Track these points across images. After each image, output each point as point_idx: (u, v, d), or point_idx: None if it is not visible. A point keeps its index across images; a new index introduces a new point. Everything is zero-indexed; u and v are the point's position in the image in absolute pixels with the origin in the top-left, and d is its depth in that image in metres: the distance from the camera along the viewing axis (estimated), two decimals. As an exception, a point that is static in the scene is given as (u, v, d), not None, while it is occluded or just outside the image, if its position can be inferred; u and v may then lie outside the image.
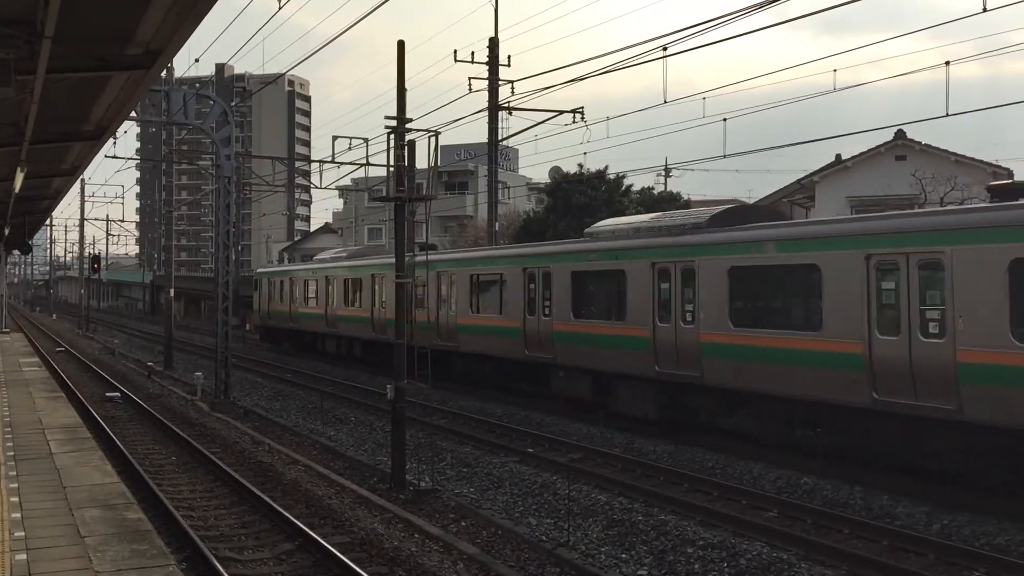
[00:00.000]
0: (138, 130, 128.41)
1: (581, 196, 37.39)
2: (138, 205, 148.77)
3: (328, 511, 12.79)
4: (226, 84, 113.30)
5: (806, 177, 35.87)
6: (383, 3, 15.51)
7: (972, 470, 12.52)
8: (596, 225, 21.87)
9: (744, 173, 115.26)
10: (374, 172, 39.70)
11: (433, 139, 16.32)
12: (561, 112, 29.72)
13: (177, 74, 34.15)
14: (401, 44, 15.29)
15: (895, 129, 31.80)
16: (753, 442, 15.96)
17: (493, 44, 32.15)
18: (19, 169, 13.99)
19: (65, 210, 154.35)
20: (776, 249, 15.42)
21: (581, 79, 21.77)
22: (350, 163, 28.62)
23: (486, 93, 31.95)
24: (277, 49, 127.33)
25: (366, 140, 22.77)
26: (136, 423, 21.20)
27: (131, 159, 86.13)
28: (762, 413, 15.60)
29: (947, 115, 18.36)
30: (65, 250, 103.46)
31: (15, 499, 9.96)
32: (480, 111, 31.77)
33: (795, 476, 14.25)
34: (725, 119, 24.15)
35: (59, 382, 25.47)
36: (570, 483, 13.72)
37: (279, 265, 54.29)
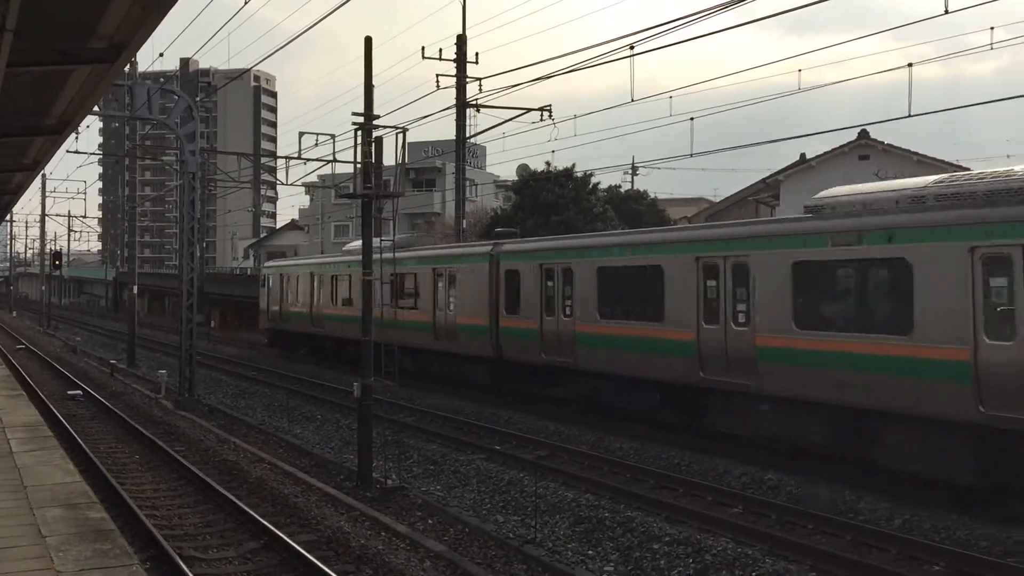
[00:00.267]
0: (101, 125, 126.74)
1: (548, 194, 37.44)
2: (101, 201, 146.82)
3: (294, 509, 12.73)
4: (191, 79, 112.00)
5: (771, 176, 36.21)
6: (350, -1, 15.42)
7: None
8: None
9: (710, 172, 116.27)
10: (341, 169, 39.48)
11: (400, 136, 16.26)
12: (529, 110, 29.76)
13: (141, 68, 33.69)
14: (368, 40, 15.24)
15: (859, 129, 32.17)
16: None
17: (461, 41, 32.11)
18: (-22, 164, 13.74)
19: (26, 205, 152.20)
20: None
21: (549, 77, 21.97)
22: (317, 160, 28.40)
23: (454, 90, 31.93)
24: (243, 44, 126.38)
25: (333, 136, 22.61)
26: (99, 421, 20.95)
27: (94, 154, 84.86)
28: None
29: (909, 115, 18.63)
30: (26, 246, 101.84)
31: (-26, 499, 9.81)
32: (448, 108, 31.72)
33: (759, 472, 14.39)
34: (692, 118, 24.26)
35: (19, 380, 25.11)
36: (537, 480, 13.75)
37: (296, 258, 48.26)
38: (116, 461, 16.23)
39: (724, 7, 15.47)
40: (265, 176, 74.23)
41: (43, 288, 68.60)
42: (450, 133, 33.23)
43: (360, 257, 25.30)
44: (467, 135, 32.71)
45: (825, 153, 34.28)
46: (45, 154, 15.94)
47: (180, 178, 28.86)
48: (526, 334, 20.86)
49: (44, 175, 61.62)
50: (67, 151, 29.66)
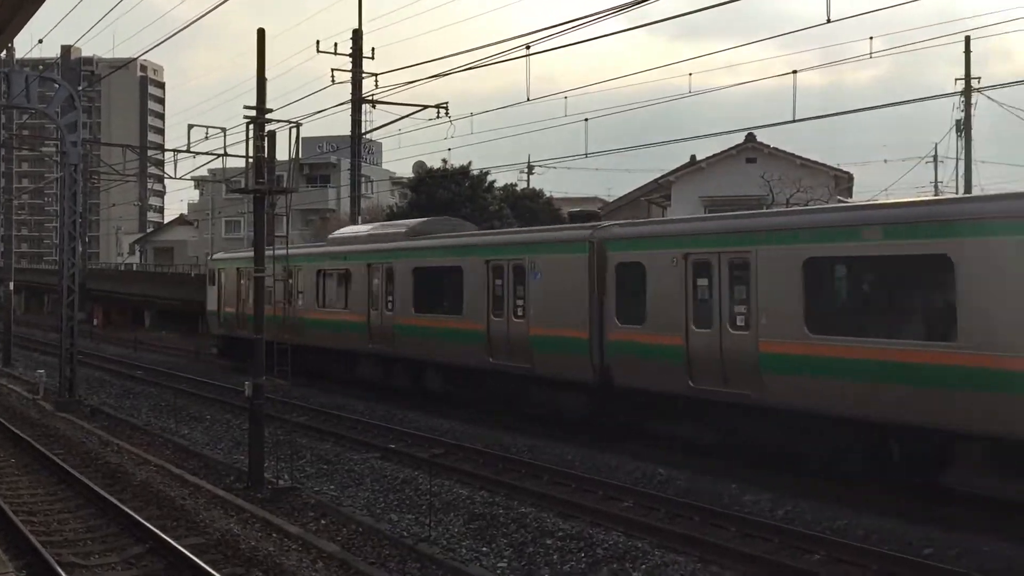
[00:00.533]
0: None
1: (445, 192, 37.41)
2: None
3: (182, 512, 12.40)
4: (73, 67, 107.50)
5: (663, 177, 37.01)
6: (242, -10, 15.11)
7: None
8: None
9: (604, 172, 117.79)
10: (232, 163, 38.61)
11: (294, 130, 16.01)
12: (425, 107, 29.66)
13: (18, 55, 32.17)
14: (261, 32, 14.94)
15: (746, 132, 33.19)
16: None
17: (357, 36, 31.75)
18: None
19: None
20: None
21: (446, 74, 21.98)
22: (207, 153, 27.70)
23: (349, 85, 31.57)
24: (130, 32, 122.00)
25: (224, 129, 22.03)
26: (-29, 424, 19.95)
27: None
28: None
29: (794, 120, 19.39)
30: None
31: None
32: (343, 103, 31.37)
33: (651, 468, 14.70)
34: (586, 119, 24.69)
35: None
36: (431, 478, 13.74)
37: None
38: (-10, 466, 15.50)
39: (617, 10, 15.77)
40: (152, 169, 71.86)
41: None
42: (345, 129, 32.85)
43: (361, 247, 23.60)
44: (363, 131, 32.37)
45: (714, 155, 35.23)
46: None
47: (61, 170, 27.71)
48: (659, 352, 15.34)
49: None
50: (-64, 140, 28.18)
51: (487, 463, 15.63)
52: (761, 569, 10.14)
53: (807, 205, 24.39)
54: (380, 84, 30.46)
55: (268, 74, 15.05)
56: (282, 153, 16.56)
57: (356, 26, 31.97)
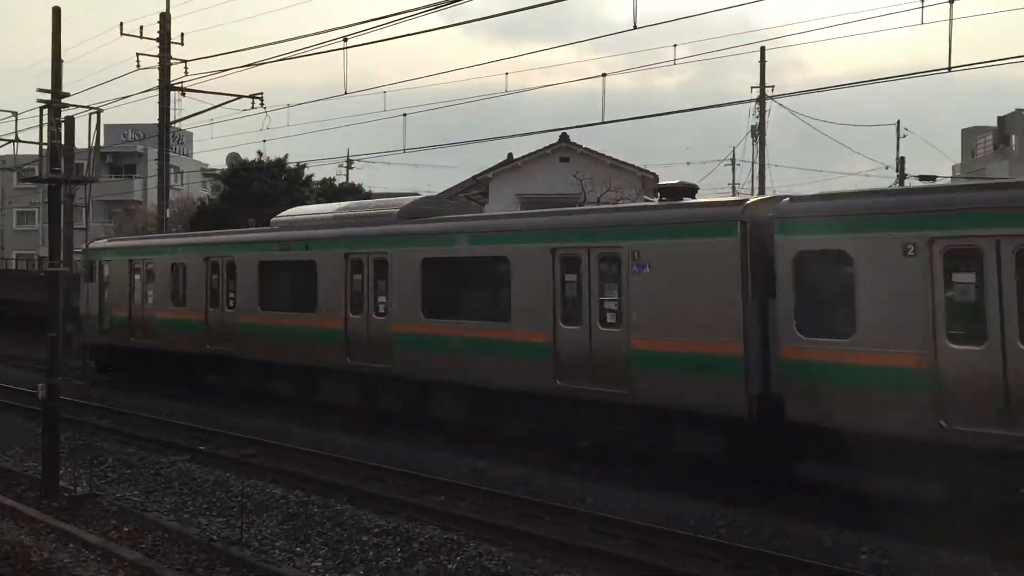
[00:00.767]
0: None
1: (260, 184, 36.49)
2: None
3: (-35, 525, 11.51)
4: None
5: (481, 174, 37.47)
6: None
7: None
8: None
9: (423, 168, 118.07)
10: (25, 150, 35.97)
11: (95, 116, 15.12)
12: (239, 96, 28.78)
13: None
14: (57, 10, 14.07)
15: (560, 132, 34.08)
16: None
17: (164, 19, 30.36)
18: None
19: None
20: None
21: (260, 64, 21.33)
22: (-5, 138, 25.75)
23: (157, 71, 30.15)
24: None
25: (15, 113, 20.56)
26: None
27: None
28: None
29: (603, 122, 20.07)
30: None
31: None
32: (150, 90, 29.92)
33: (473, 461, 14.86)
34: (405, 114, 24.67)
35: None
36: (244, 479, 13.38)
37: (166, 235, 28.70)
38: None
39: (435, 7, 15.80)
40: (-68, 155, 66.16)
41: None
42: (153, 117, 31.36)
43: (325, 230, 19.12)
44: (171, 119, 31.01)
45: (530, 154, 36.01)
46: None
47: None
48: (877, 377, 11.00)
49: None
50: None
51: (305, 461, 15.34)
52: (572, 557, 10.46)
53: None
54: (190, 71, 29.25)
55: (66, 56, 14.20)
56: (82, 141, 15.63)
57: (164, 9, 30.54)
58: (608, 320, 13.68)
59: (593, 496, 12.77)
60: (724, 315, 12.29)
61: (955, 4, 15.29)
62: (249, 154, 39.52)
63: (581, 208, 20.94)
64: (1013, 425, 9.90)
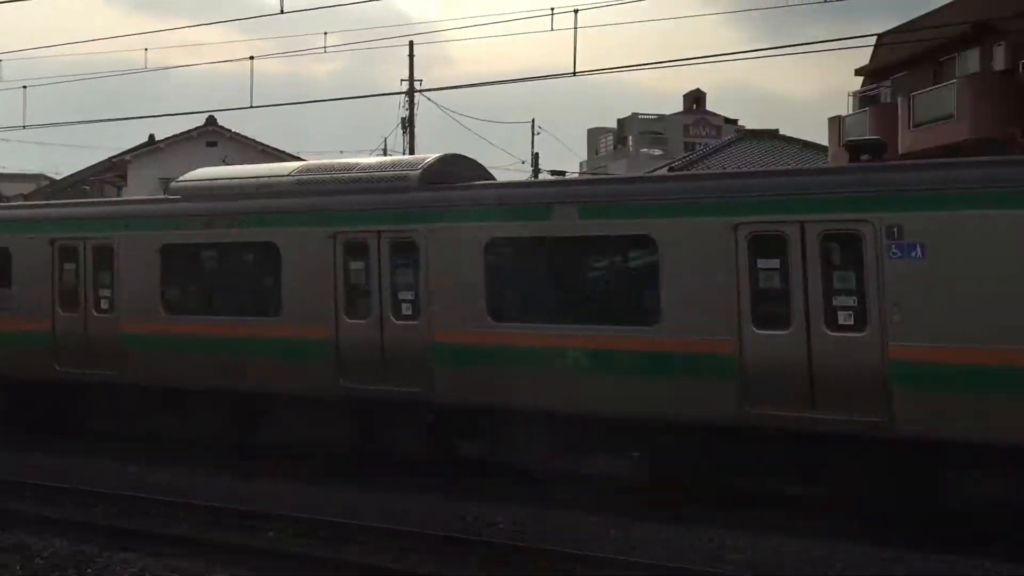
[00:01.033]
0: None
1: None
2: None
3: None
4: None
5: (118, 156, 35.12)
6: None
7: None
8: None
9: (49, 147, 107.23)
10: None
11: None
12: None
13: None
14: None
15: (207, 115, 32.78)
16: None
17: None
18: None
19: None
20: None
21: None
22: None
23: None
24: None
25: None
26: None
27: None
28: None
29: (251, 106, 19.59)
30: None
31: None
32: None
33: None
34: (25, 86, 22.79)
35: None
36: None
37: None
38: None
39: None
40: None
41: None
42: None
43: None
44: None
45: (174, 136, 34.30)
46: None
47: None
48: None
49: None
50: None
51: None
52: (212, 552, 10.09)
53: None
54: None
55: None
56: None
57: None
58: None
59: (248, 490, 12.41)
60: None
61: (580, 14, 16.56)
62: None
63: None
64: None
